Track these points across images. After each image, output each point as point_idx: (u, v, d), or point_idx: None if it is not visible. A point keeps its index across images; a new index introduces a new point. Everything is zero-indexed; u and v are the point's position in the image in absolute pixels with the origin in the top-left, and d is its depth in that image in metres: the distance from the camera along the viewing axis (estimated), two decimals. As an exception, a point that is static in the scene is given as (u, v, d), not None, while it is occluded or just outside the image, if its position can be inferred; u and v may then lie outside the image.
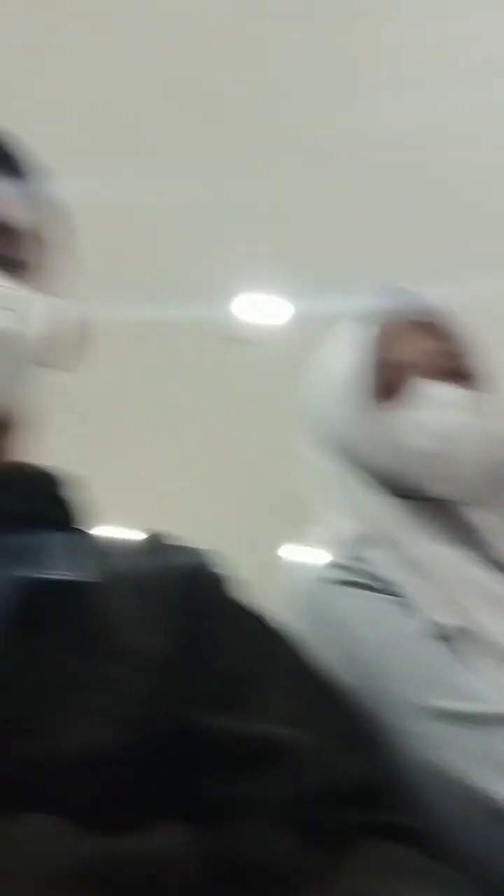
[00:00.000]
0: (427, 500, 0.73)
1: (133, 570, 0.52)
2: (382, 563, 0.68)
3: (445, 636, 0.61)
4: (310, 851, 0.38)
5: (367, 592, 0.64)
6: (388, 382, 0.74)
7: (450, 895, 0.37)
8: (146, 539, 0.58)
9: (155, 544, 0.57)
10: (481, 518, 0.73)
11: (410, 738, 0.54)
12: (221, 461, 3.85)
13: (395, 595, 0.65)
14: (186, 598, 0.50)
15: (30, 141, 0.58)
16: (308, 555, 0.73)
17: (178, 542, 0.57)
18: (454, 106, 2.40)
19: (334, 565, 0.68)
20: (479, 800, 0.50)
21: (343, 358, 0.77)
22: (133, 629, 0.47)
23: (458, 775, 0.51)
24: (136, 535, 0.58)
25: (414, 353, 0.75)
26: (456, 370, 0.75)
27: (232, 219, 2.72)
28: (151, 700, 0.43)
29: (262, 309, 3.09)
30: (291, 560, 0.74)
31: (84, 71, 2.22)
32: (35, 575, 0.45)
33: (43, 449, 0.57)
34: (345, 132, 2.44)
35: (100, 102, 2.31)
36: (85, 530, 0.54)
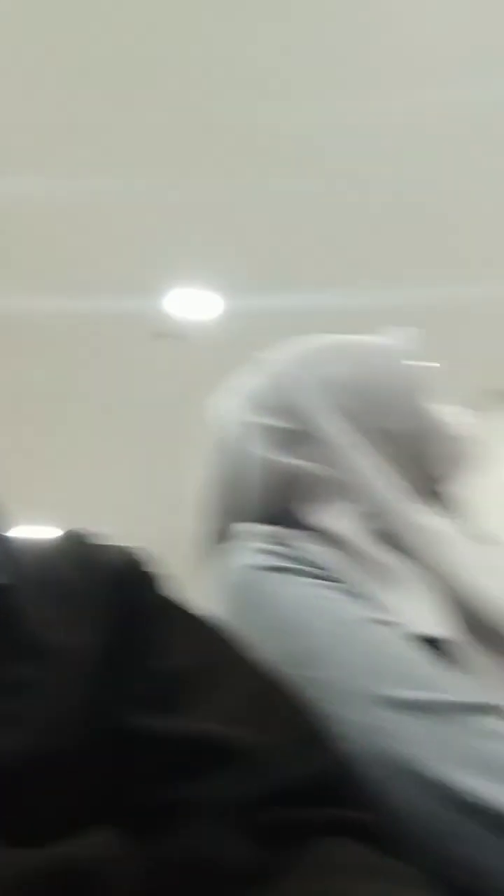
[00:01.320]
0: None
1: (53, 572, 0.50)
2: (315, 549, 0.67)
3: (389, 621, 0.59)
4: (256, 853, 0.37)
5: (307, 579, 0.62)
6: None
7: (402, 890, 0.36)
8: (67, 538, 0.55)
9: (77, 543, 0.54)
10: (416, 510, 0.72)
11: (362, 729, 0.52)
12: (152, 456, 3.81)
13: (332, 580, 0.63)
14: (114, 599, 0.49)
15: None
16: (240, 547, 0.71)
17: (103, 541, 0.55)
18: (395, 103, 2.40)
19: (269, 552, 0.64)
20: (434, 790, 0.49)
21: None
22: (52, 631, 0.45)
23: (412, 765, 0.50)
24: (59, 534, 0.56)
25: None
26: None
27: (164, 214, 2.69)
28: (75, 703, 0.41)
29: (193, 304, 3.06)
30: (225, 552, 0.71)
31: (12, 65, 2.16)
32: None
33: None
34: (277, 126, 2.43)
35: (30, 97, 2.25)
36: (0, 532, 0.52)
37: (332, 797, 0.41)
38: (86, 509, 4.12)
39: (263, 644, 0.56)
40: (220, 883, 0.36)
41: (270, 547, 0.65)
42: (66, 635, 0.45)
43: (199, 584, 0.67)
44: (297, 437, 0.74)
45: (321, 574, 0.62)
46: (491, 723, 0.52)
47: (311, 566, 0.63)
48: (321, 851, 0.38)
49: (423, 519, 0.69)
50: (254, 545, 0.66)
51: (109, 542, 0.55)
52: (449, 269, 3.20)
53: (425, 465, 0.73)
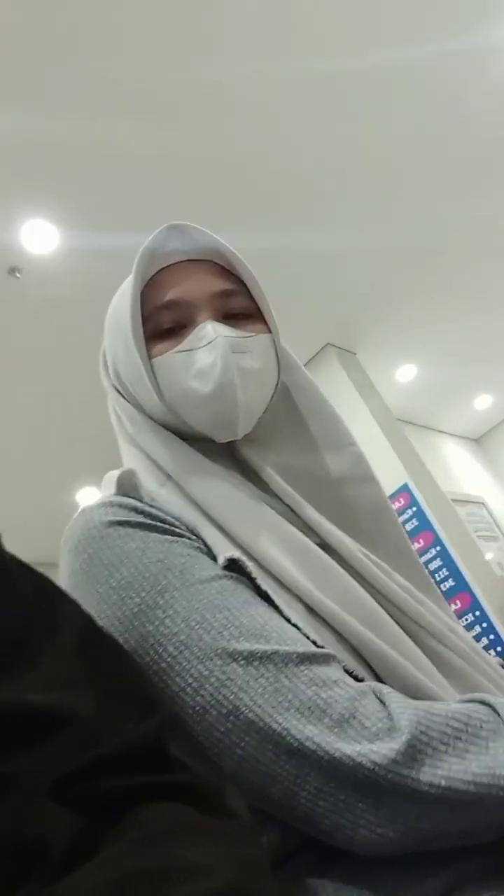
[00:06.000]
0: (210, 442, 0.72)
1: None
2: (171, 505, 0.66)
3: (233, 574, 0.60)
4: (79, 825, 0.36)
5: (158, 535, 0.61)
6: (165, 324, 0.72)
7: (229, 851, 0.36)
8: None
9: None
10: (259, 458, 0.72)
11: (206, 682, 0.53)
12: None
13: (184, 537, 0.63)
14: None
15: None
16: (106, 481, 0.68)
17: None
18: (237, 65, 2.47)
19: (121, 505, 0.63)
20: (270, 737, 0.50)
21: (124, 301, 0.73)
22: None
23: (252, 715, 0.51)
24: None
25: (190, 293, 0.72)
26: (233, 309, 0.73)
27: (2, 144, 2.50)
28: None
29: (30, 236, 2.88)
30: (78, 505, 0.68)
31: None
32: None
33: None
34: (127, 67, 2.42)
35: None
36: None
37: (160, 761, 0.40)
38: None
39: (110, 599, 0.57)
40: (42, 858, 0.34)
41: (120, 500, 0.64)
42: None
43: (59, 533, 0.63)
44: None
45: (166, 528, 0.62)
46: (319, 671, 0.54)
47: (163, 521, 0.63)
48: (147, 818, 0.37)
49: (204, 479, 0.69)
50: (104, 499, 0.64)
51: None
52: (291, 219, 3.30)
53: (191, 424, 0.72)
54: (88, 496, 4.82)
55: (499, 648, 4.06)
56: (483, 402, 6.50)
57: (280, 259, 3.60)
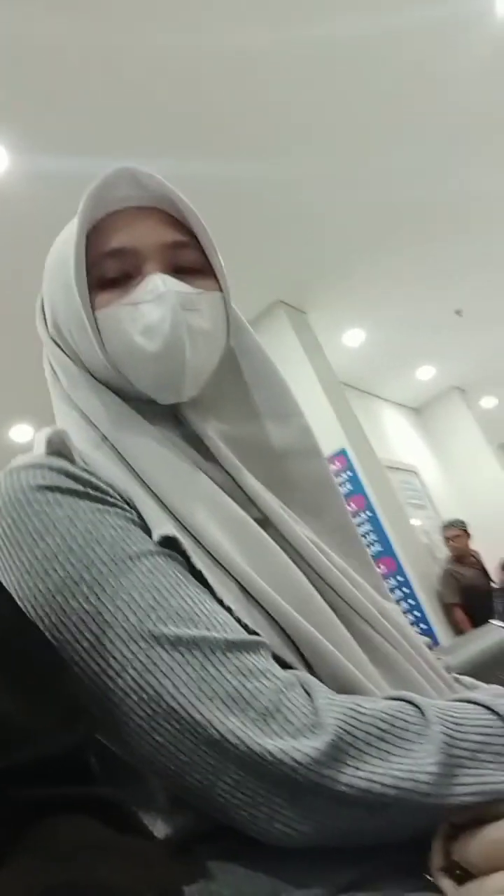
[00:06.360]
0: (148, 402, 0.68)
1: None
2: (103, 470, 0.62)
3: (171, 550, 0.57)
4: None
5: (90, 504, 0.57)
6: (110, 273, 0.67)
7: (144, 871, 0.35)
8: None
9: None
10: (203, 423, 0.69)
11: (131, 665, 0.51)
12: None
13: (117, 507, 0.59)
14: None
15: None
16: (37, 441, 0.62)
17: None
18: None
19: (54, 468, 0.59)
20: (197, 730, 0.49)
21: (67, 246, 0.67)
22: None
23: (175, 703, 0.50)
24: None
25: (136, 240, 0.67)
26: (183, 263, 0.69)
27: None
28: None
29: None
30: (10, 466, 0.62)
31: None
32: None
33: None
34: None
35: None
36: None
37: (78, 773, 0.39)
38: None
39: (32, 570, 0.54)
40: None
41: (56, 463, 0.59)
42: None
43: None
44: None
45: (104, 498, 0.59)
46: (247, 659, 0.52)
47: (94, 488, 0.59)
48: (55, 831, 0.36)
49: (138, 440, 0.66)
50: (34, 459, 0.60)
51: None
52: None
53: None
54: (22, 433, 4.70)
55: (417, 614, 4.20)
56: (426, 372, 6.59)
57: (236, 206, 3.51)
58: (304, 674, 0.55)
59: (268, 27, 2.67)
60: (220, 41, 2.66)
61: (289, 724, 0.49)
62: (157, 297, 0.64)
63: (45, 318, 0.73)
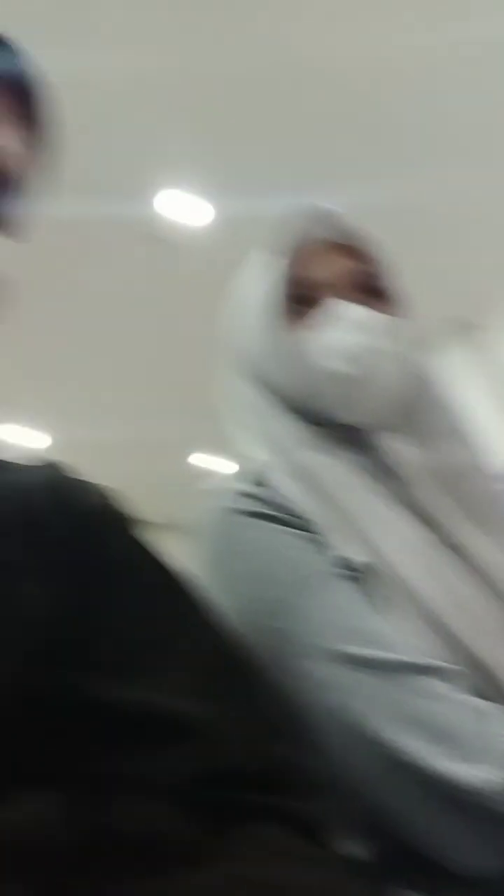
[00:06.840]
0: (339, 427, 0.70)
1: (23, 504, 0.46)
2: (293, 494, 0.65)
3: (355, 574, 0.59)
4: (190, 832, 0.36)
5: (277, 526, 0.61)
6: (301, 303, 0.71)
7: (332, 879, 0.36)
8: (46, 467, 0.51)
9: (54, 475, 0.50)
10: (392, 447, 0.70)
11: (316, 683, 0.53)
12: (135, 363, 3.76)
13: (305, 529, 0.62)
14: (80, 543, 0.45)
15: None
16: (219, 465, 0.70)
17: (77, 476, 0.51)
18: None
19: (245, 494, 0.63)
20: (380, 750, 0.50)
21: (258, 279, 0.73)
22: (12, 576, 0.42)
23: (360, 724, 0.51)
24: (37, 461, 0.52)
25: (329, 272, 0.72)
26: (371, 292, 0.73)
27: (158, 113, 2.56)
28: (15, 657, 0.39)
29: (184, 209, 2.94)
30: (206, 482, 0.69)
31: None
32: None
33: None
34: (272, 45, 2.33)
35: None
36: None
37: (279, 784, 0.40)
38: (71, 412, 4.10)
39: (232, 591, 0.57)
40: (150, 859, 0.35)
41: (248, 489, 0.64)
42: (24, 582, 0.42)
43: (176, 495, 0.66)
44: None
45: (292, 521, 0.62)
46: (432, 684, 0.53)
47: (284, 511, 0.62)
48: (255, 836, 0.37)
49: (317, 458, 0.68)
50: (233, 485, 0.65)
51: (85, 479, 0.51)
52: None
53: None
54: (202, 461, 4.91)
55: None
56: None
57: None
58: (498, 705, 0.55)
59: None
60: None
61: (489, 753, 0.49)
62: (352, 324, 0.68)
63: (231, 349, 0.77)
